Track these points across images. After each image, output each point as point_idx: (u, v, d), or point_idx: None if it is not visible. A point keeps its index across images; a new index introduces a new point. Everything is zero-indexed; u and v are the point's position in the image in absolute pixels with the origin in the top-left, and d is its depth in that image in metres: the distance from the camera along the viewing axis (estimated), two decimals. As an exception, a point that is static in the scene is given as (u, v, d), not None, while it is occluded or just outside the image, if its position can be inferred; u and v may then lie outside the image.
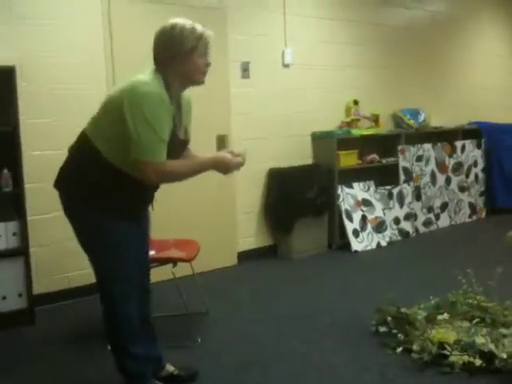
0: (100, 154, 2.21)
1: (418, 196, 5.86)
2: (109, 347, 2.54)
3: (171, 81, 2.24)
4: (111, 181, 2.24)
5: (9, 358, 3.07)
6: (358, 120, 5.54)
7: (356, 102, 5.55)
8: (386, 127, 5.85)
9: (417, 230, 5.82)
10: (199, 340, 3.17)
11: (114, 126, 2.18)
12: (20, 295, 3.50)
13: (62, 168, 2.36)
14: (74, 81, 3.92)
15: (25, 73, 3.67)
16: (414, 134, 5.92)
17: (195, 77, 2.29)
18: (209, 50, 2.28)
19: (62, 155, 2.40)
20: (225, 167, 2.33)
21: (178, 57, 2.21)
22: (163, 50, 2.23)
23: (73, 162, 2.32)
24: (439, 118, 6.32)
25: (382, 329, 3.17)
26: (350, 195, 5.34)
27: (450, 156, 6.18)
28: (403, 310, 3.22)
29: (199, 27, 2.27)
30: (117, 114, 2.15)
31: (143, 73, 2.22)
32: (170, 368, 2.68)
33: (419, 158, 5.88)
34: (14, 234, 3.45)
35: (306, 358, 2.92)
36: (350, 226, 5.21)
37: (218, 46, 4.57)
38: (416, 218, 5.83)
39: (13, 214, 3.51)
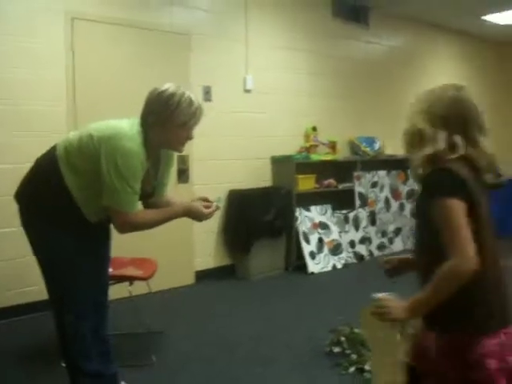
0: (62, 181, 2.21)
1: (372, 221, 6.01)
2: (63, 364, 2.50)
3: (152, 140, 2.25)
4: (67, 205, 2.24)
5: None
6: (317, 146, 5.67)
7: (314, 129, 5.69)
8: (342, 153, 5.99)
9: (371, 254, 5.94)
10: (154, 359, 3.15)
11: (85, 164, 2.20)
12: (-30, 313, 3.41)
13: (23, 179, 2.35)
14: (35, 98, 3.91)
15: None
16: (369, 161, 6.07)
17: (175, 146, 2.34)
18: (196, 125, 2.30)
19: (20, 169, 2.40)
20: (196, 217, 2.37)
21: (167, 125, 2.23)
22: (153, 115, 2.23)
23: (34, 176, 2.32)
24: (394, 147, 6.40)
25: (336, 349, 3.23)
26: (307, 218, 5.43)
27: (404, 183, 6.36)
28: (357, 330, 3.28)
29: (196, 102, 2.26)
30: (93, 154, 2.16)
31: (128, 123, 2.22)
32: (124, 386, 2.66)
33: (374, 184, 6.04)
34: (-33, 250, 3.38)
35: (260, 379, 2.94)
36: (307, 248, 5.29)
37: (181, 70, 4.65)
38: (371, 242, 5.97)
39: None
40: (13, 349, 3.35)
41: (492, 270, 1.57)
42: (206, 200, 2.42)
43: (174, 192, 2.64)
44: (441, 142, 1.59)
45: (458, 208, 1.51)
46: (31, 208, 2.30)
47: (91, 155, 2.17)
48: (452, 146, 1.59)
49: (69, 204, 2.22)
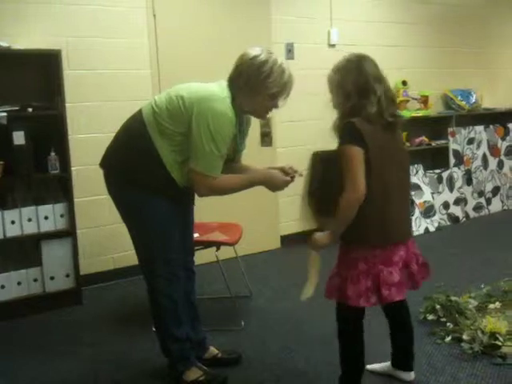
0: (152, 145, 2.21)
1: (468, 180, 5.71)
2: (154, 328, 2.55)
3: (238, 104, 2.22)
4: (157, 170, 2.24)
5: (57, 338, 3.13)
6: (407, 101, 5.38)
7: (404, 83, 5.39)
8: (435, 109, 5.68)
9: (467, 215, 5.65)
10: (243, 324, 3.16)
11: (175, 126, 2.19)
12: (67, 275, 3.57)
13: (110, 146, 2.38)
14: (117, 64, 3.92)
15: (70, 57, 3.69)
16: (465, 115, 5.73)
17: (259, 113, 2.33)
18: (285, 96, 2.27)
19: (106, 138, 2.41)
20: (274, 185, 2.34)
21: (255, 92, 2.20)
22: (243, 79, 2.20)
23: (123, 142, 2.33)
24: (492, 99, 6.09)
25: (431, 317, 3.09)
26: (397, 179, 5.21)
27: (503, 139, 5.95)
28: (453, 298, 3.13)
29: (287, 72, 2.23)
30: (183, 116, 2.16)
31: (218, 86, 2.22)
32: (213, 351, 2.68)
33: (470, 141, 5.71)
34: (62, 216, 3.52)
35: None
36: (396, 211, 5.09)
37: (262, 28, 4.50)
38: (466, 203, 5.67)
39: (60, 196, 3.57)
40: (105, 313, 3.47)
41: (378, 201, 2.03)
42: (283, 169, 2.38)
43: (257, 156, 2.55)
44: (351, 103, 2.09)
45: (353, 153, 2.00)
46: (121, 174, 2.32)
47: (181, 117, 2.16)
48: (358, 107, 2.06)
49: (159, 168, 2.23)
